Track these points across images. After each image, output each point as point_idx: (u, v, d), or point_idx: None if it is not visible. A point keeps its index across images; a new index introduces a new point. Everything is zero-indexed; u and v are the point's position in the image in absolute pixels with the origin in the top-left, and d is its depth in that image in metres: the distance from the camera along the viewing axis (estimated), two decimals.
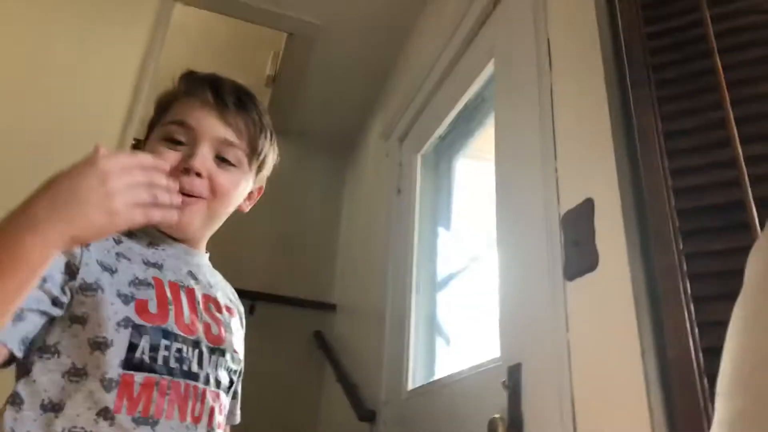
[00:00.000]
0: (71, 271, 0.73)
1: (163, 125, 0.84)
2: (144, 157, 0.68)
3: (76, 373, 0.71)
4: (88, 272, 0.74)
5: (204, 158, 0.83)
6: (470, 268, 1.95)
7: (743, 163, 0.74)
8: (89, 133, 2.25)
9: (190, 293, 0.85)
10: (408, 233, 2.22)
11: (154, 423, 0.73)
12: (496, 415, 1.28)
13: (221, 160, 0.86)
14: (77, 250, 0.74)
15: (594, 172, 1.16)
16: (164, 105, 0.88)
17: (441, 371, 1.86)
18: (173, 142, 0.82)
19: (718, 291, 0.67)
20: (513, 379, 1.30)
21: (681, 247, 0.78)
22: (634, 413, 0.91)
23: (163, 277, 0.82)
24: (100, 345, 0.72)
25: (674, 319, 0.74)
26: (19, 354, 0.69)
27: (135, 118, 2.37)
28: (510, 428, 1.26)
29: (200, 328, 0.83)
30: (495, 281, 1.50)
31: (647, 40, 0.94)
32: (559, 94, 1.37)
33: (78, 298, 0.73)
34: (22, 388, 0.70)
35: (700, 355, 0.71)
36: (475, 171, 2.25)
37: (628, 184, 0.93)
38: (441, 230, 2.22)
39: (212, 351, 0.84)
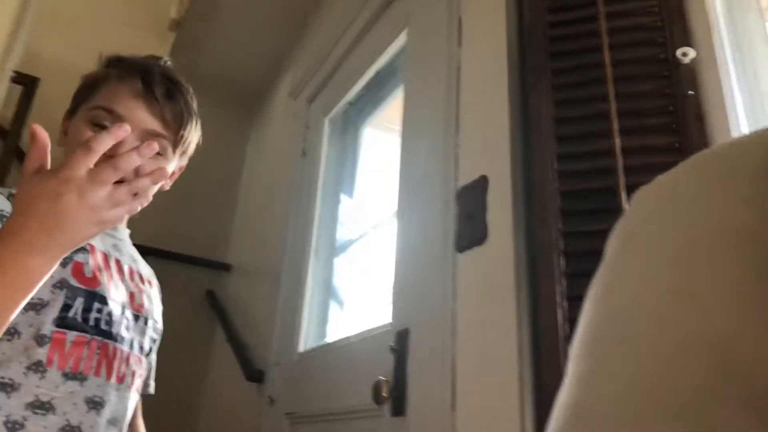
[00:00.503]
0: None
1: (91, 109, 0.84)
2: (98, 145, 0.65)
3: (7, 332, 0.72)
4: None
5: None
6: (369, 235, 1.98)
7: (619, 154, 0.81)
8: None
9: (118, 263, 0.90)
10: (310, 197, 2.21)
11: (83, 379, 0.77)
12: (382, 377, 1.33)
13: None
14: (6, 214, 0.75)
15: (491, 151, 1.21)
16: (91, 85, 0.88)
17: (333, 335, 1.89)
18: (100, 128, 0.82)
19: (588, 268, 0.72)
20: (400, 344, 1.35)
21: (560, 226, 0.84)
22: (507, 377, 0.98)
23: (96, 245, 0.86)
24: (35, 306, 0.74)
25: (548, 292, 0.80)
26: None
27: (16, 49, 2.15)
28: (394, 389, 1.31)
29: (127, 295, 0.88)
30: (392, 249, 1.54)
31: (549, 29, 0.98)
32: (465, 71, 1.41)
33: None
34: None
35: (567, 325, 0.78)
36: (381, 141, 2.27)
37: (519, 165, 0.98)
38: (343, 196, 2.23)
39: (137, 318, 0.89)
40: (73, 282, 0.78)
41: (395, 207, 1.60)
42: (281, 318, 2.10)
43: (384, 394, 1.31)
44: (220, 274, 3.02)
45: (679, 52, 0.85)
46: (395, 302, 1.46)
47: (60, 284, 0.77)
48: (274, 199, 2.56)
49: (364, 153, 2.27)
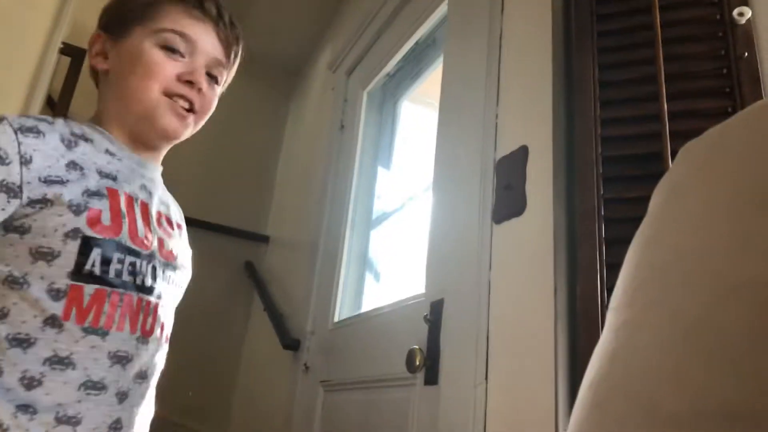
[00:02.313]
0: (13, 191, 0.69)
1: (157, 31, 0.82)
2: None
3: (14, 281, 0.69)
4: (32, 189, 0.70)
5: (204, 75, 0.85)
6: (406, 208, 1.98)
7: (666, 118, 0.78)
8: (11, 37, 2.08)
9: (144, 207, 0.83)
10: (348, 170, 2.22)
11: (104, 334, 0.73)
12: (415, 346, 1.34)
13: (209, 76, 0.87)
14: (15, 168, 0.69)
15: (532, 120, 1.18)
16: (146, 5, 0.84)
17: (368, 306, 1.91)
18: (172, 51, 0.82)
19: (629, 234, 0.71)
20: (434, 314, 1.35)
21: (601, 192, 0.81)
22: (541, 346, 0.97)
23: (119, 188, 0.79)
24: (44, 255, 0.70)
25: (587, 259, 0.79)
26: None
27: (63, 20, 2.20)
28: (427, 359, 1.32)
29: (154, 242, 0.82)
30: (427, 221, 1.54)
31: None
32: (507, 38, 1.37)
33: (20, 211, 0.70)
34: None
35: (605, 292, 0.76)
36: (419, 115, 2.25)
37: (561, 133, 0.96)
38: (380, 169, 2.22)
39: (165, 266, 0.83)
40: (89, 231, 0.72)
41: (432, 180, 1.58)
42: (317, 289, 2.13)
43: (417, 363, 1.32)
44: (258, 246, 3.07)
45: (735, 12, 0.80)
46: (429, 273, 1.46)
47: (73, 233, 0.71)
48: (312, 172, 2.58)
49: (401, 126, 2.25)
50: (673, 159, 0.77)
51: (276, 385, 2.28)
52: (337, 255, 2.08)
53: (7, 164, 0.68)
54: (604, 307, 0.76)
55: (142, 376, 0.78)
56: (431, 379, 1.30)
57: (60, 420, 0.68)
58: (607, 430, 0.29)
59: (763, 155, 0.36)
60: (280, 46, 3.10)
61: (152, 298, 0.80)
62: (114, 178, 0.80)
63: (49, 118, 0.77)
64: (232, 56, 0.90)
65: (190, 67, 0.83)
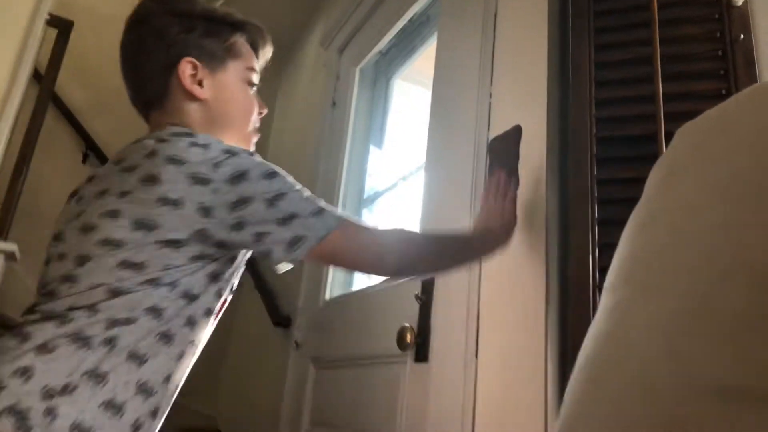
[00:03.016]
0: None
1: (247, 69, 0.99)
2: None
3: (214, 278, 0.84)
4: None
5: None
6: (398, 187, 1.98)
7: (661, 99, 0.78)
8: None
9: None
10: (339, 148, 2.21)
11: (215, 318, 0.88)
12: (406, 324, 1.35)
13: None
14: None
15: (526, 100, 1.18)
16: (241, 39, 0.99)
17: (359, 284, 1.91)
18: (250, 86, 1.00)
19: (622, 216, 0.71)
20: (426, 292, 1.36)
21: (595, 173, 0.82)
22: (532, 324, 0.98)
23: None
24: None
25: (579, 240, 0.79)
26: None
27: None
28: (418, 336, 1.33)
29: None
30: (420, 200, 1.54)
31: None
32: (502, 17, 1.36)
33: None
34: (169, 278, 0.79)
35: (597, 273, 0.77)
36: (412, 94, 2.24)
37: (555, 113, 0.96)
38: (372, 148, 2.21)
39: None
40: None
41: (425, 159, 1.58)
42: (308, 266, 2.13)
43: (408, 341, 1.33)
44: None
45: None
46: None
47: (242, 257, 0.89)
48: (304, 150, 2.56)
49: (394, 104, 2.24)
50: (667, 141, 0.78)
51: (267, 362, 2.29)
52: None
53: None
54: (596, 288, 0.77)
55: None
56: (422, 356, 1.31)
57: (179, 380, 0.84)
58: (602, 405, 0.30)
59: (758, 138, 0.36)
60: (272, 21, 3.03)
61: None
62: None
63: None
64: None
65: (258, 99, 1.02)
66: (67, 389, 0.70)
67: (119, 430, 0.74)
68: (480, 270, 1.19)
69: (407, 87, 2.26)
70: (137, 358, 0.75)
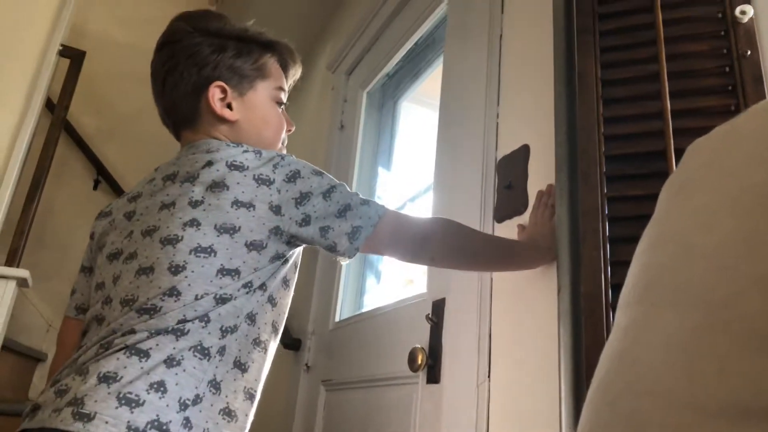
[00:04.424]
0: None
1: (276, 89, 1.01)
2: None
3: (286, 285, 0.92)
4: None
5: None
6: (406, 208, 1.98)
7: (669, 116, 0.78)
8: (9, 38, 2.08)
9: None
10: (348, 170, 2.22)
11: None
12: (417, 345, 1.34)
13: None
14: None
15: (533, 119, 1.19)
16: (270, 60, 1.01)
17: (369, 305, 1.91)
18: (279, 104, 1.02)
19: (632, 233, 0.71)
20: (436, 313, 1.35)
21: (605, 190, 0.82)
22: (544, 344, 0.97)
23: None
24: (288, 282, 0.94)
25: (591, 257, 0.79)
26: None
27: (63, 22, 2.20)
28: (429, 357, 1.32)
29: None
30: None
31: None
32: (508, 38, 1.37)
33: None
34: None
35: (609, 291, 0.76)
36: (419, 116, 2.26)
37: (563, 130, 0.96)
38: (381, 170, 2.22)
39: None
40: None
41: (433, 180, 1.59)
42: (318, 288, 2.13)
43: (419, 362, 1.32)
44: None
45: (737, 11, 0.80)
46: (431, 272, 1.46)
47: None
48: None
49: (401, 126, 2.25)
50: (676, 157, 0.78)
51: (277, 385, 2.28)
52: None
53: None
54: (609, 306, 0.76)
55: None
56: (433, 377, 1.30)
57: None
58: (618, 426, 0.29)
59: None
60: None
61: None
62: None
63: None
64: None
65: (286, 116, 1.04)
66: (197, 400, 0.74)
67: None
68: (491, 290, 1.18)
69: (414, 109, 2.28)
70: (241, 366, 0.80)
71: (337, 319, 1.97)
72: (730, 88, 0.79)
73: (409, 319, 1.48)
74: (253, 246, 0.80)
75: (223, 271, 0.78)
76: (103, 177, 3.14)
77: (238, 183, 0.81)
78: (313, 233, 0.83)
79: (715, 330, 0.29)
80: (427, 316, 1.36)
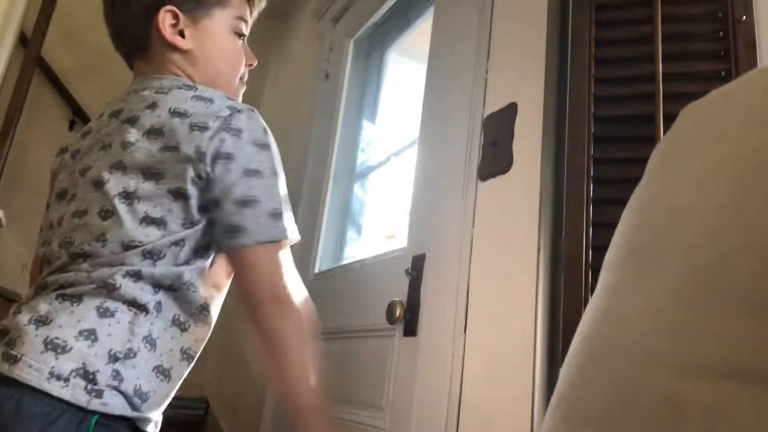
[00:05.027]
0: None
1: (234, 18, 0.92)
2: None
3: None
4: None
5: None
6: (390, 162, 1.97)
7: (661, 79, 0.78)
8: None
9: None
10: (332, 121, 2.18)
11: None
12: (396, 299, 1.36)
13: None
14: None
15: (523, 77, 1.17)
16: None
17: (349, 258, 1.91)
18: (238, 36, 0.94)
19: (616, 195, 0.71)
20: (416, 268, 1.36)
21: (592, 152, 0.82)
22: (522, 302, 0.99)
23: None
24: None
25: (573, 218, 0.80)
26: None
27: None
28: (407, 311, 1.34)
29: None
30: (413, 176, 1.53)
31: None
32: None
33: None
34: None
35: (591, 251, 0.77)
36: (406, 68, 2.21)
37: (553, 89, 0.95)
38: (365, 122, 2.19)
39: None
40: None
41: (418, 134, 1.57)
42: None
43: (397, 315, 1.34)
44: None
45: None
46: (412, 228, 1.47)
47: None
48: (295, 122, 2.53)
49: (388, 78, 2.21)
50: (665, 121, 0.78)
51: None
52: (318, 206, 2.07)
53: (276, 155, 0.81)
54: (589, 267, 0.77)
55: None
56: (410, 330, 1.32)
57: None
58: (601, 380, 0.30)
59: (765, 119, 0.36)
60: None
61: None
62: None
63: None
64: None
65: (247, 49, 0.96)
66: (130, 354, 0.72)
67: (167, 394, 0.77)
68: (471, 247, 1.19)
69: (402, 61, 2.23)
70: (180, 324, 0.77)
71: (316, 270, 1.98)
72: (722, 53, 0.78)
73: (388, 272, 1.49)
74: (177, 195, 0.75)
75: (148, 220, 0.74)
76: (79, 117, 3.05)
77: (172, 130, 0.75)
78: (209, 197, 0.76)
79: (701, 292, 0.29)
80: (406, 271, 1.38)
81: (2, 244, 2.77)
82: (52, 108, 3.05)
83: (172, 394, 0.79)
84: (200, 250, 0.78)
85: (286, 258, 0.79)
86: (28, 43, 2.37)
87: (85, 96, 3.08)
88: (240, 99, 0.94)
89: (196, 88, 0.81)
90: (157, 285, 0.75)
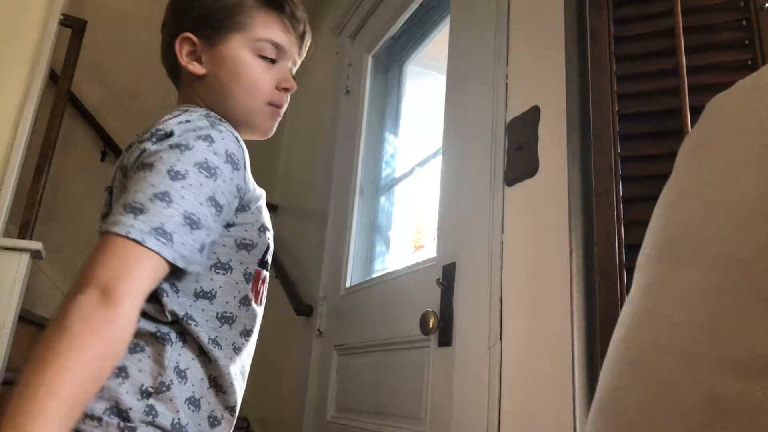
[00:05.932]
0: (239, 196, 0.78)
1: (256, 40, 0.86)
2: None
3: (221, 267, 0.78)
4: (246, 194, 0.79)
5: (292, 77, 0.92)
6: (415, 173, 1.97)
7: (685, 72, 0.76)
8: (11, 10, 2.05)
9: None
10: (354, 135, 2.20)
11: (259, 306, 0.85)
12: (429, 309, 1.35)
13: None
14: (241, 173, 0.76)
15: (543, 79, 1.17)
16: (236, 11, 0.87)
17: (379, 271, 1.92)
18: (265, 59, 0.87)
19: (646, 193, 0.70)
20: (447, 277, 1.36)
21: (618, 150, 0.81)
22: (557, 305, 0.98)
23: None
24: (246, 246, 0.80)
25: (604, 218, 0.78)
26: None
27: None
28: (441, 321, 1.33)
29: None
30: (437, 186, 1.53)
31: None
32: None
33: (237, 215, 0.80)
34: (173, 280, 0.74)
35: (623, 251, 0.76)
36: (425, 79, 2.22)
37: (575, 90, 0.94)
38: (388, 134, 2.21)
39: None
40: (268, 224, 0.84)
41: (441, 143, 1.57)
42: (328, 255, 2.14)
43: (431, 325, 1.33)
44: None
45: None
46: (441, 237, 1.46)
47: (263, 228, 0.82)
48: (318, 139, 2.56)
49: (408, 90, 2.23)
50: (692, 114, 0.76)
51: (291, 351, 2.32)
52: (346, 221, 2.08)
53: (240, 170, 0.76)
54: (623, 266, 0.76)
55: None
56: (445, 340, 1.32)
57: (243, 374, 0.85)
58: (643, 381, 0.30)
59: None
60: None
61: (267, 272, 0.88)
62: None
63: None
64: (303, 52, 0.95)
65: (284, 72, 0.89)
66: (162, 388, 0.71)
67: (198, 424, 0.75)
68: (502, 252, 1.18)
69: (421, 72, 2.24)
70: (207, 354, 0.76)
71: (347, 284, 1.99)
72: (747, 42, 0.77)
73: (419, 283, 1.49)
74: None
75: None
76: (110, 148, 3.14)
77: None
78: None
79: (738, 287, 0.29)
80: (437, 281, 1.37)
81: (41, 275, 2.85)
82: (84, 141, 3.15)
83: (206, 424, 0.77)
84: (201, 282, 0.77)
85: (138, 256, 0.65)
86: (58, 79, 2.45)
87: (115, 127, 3.17)
88: (267, 124, 0.90)
89: (187, 111, 0.77)
90: (174, 315, 0.74)
